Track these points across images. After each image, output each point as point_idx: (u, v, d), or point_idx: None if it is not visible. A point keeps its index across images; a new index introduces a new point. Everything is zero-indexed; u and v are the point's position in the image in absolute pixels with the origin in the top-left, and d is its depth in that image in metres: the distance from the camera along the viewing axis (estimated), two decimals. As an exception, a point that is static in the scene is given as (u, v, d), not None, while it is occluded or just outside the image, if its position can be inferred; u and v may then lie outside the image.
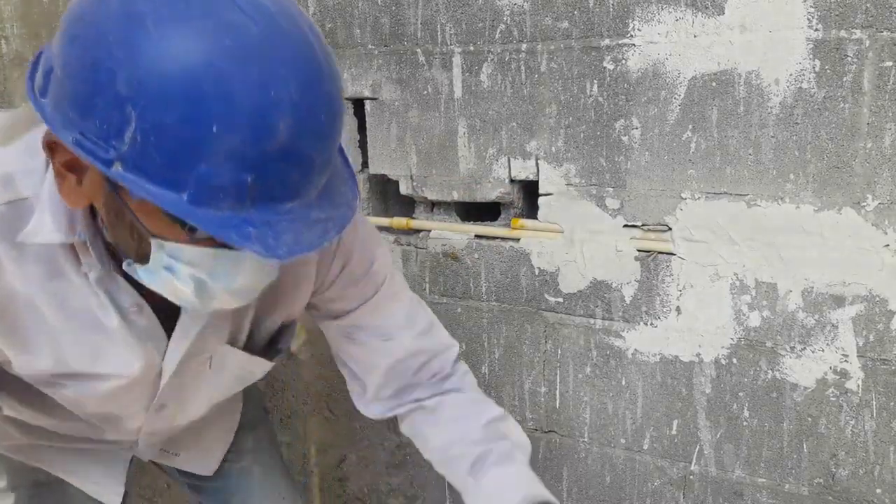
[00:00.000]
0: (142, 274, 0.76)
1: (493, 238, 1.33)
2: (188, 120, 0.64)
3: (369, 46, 1.34)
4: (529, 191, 1.31)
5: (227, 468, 1.25)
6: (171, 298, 0.77)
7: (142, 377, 0.90)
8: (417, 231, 1.40)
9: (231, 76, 0.64)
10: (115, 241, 0.78)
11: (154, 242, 0.72)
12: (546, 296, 1.30)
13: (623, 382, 1.27)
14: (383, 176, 1.40)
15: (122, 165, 0.65)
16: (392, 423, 1.52)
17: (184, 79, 0.63)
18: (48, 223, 0.77)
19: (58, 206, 0.76)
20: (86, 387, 0.89)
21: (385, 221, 1.41)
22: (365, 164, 1.41)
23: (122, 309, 0.84)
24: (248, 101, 0.65)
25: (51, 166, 0.74)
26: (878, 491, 1.13)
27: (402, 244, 1.41)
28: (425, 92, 1.31)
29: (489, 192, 1.30)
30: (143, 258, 0.74)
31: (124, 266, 0.78)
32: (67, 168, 0.72)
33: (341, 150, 0.79)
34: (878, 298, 1.07)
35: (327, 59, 0.71)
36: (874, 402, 1.10)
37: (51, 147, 0.71)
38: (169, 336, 0.89)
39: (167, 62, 0.64)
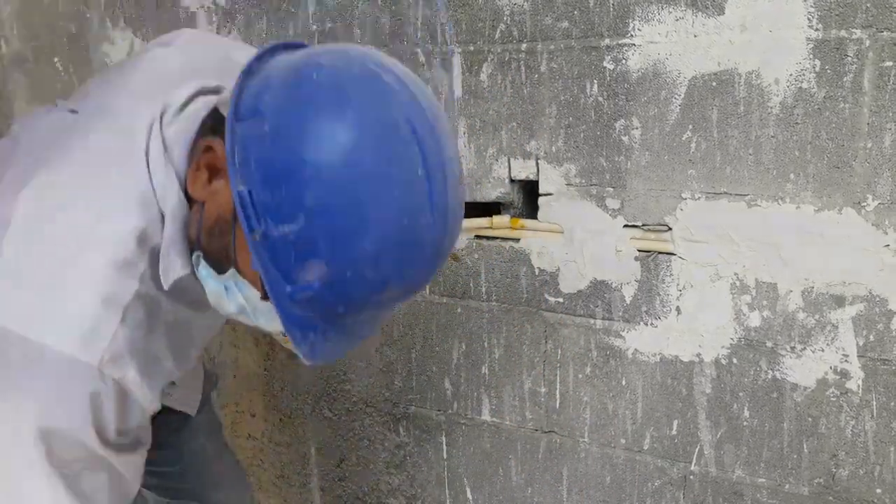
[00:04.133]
0: (203, 271, 0.82)
1: (493, 238, 1.33)
2: (337, 262, 0.73)
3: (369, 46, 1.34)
4: (529, 191, 1.31)
5: (184, 448, 1.27)
6: (212, 304, 0.85)
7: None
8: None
9: (399, 209, 0.73)
10: (204, 240, 0.82)
11: (233, 272, 0.80)
12: (546, 296, 1.30)
13: (623, 382, 1.27)
14: (383, 176, 1.40)
15: (262, 240, 0.73)
16: (392, 424, 1.53)
17: (364, 234, 0.72)
18: (178, 262, 0.82)
19: (179, 247, 0.83)
20: (189, 361, 0.96)
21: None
22: (365, 164, 1.41)
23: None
24: (391, 274, 0.75)
25: (168, 217, 0.81)
26: (879, 491, 1.12)
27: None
28: (425, 92, 1.31)
29: (489, 192, 1.30)
30: (213, 263, 0.81)
31: (193, 259, 0.83)
32: (207, 167, 0.79)
33: None
34: (878, 298, 1.07)
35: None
36: (874, 403, 1.10)
37: (208, 146, 0.79)
38: None
39: (353, 183, 0.71)
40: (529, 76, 1.22)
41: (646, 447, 1.28)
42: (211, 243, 0.81)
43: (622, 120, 1.17)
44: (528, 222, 1.30)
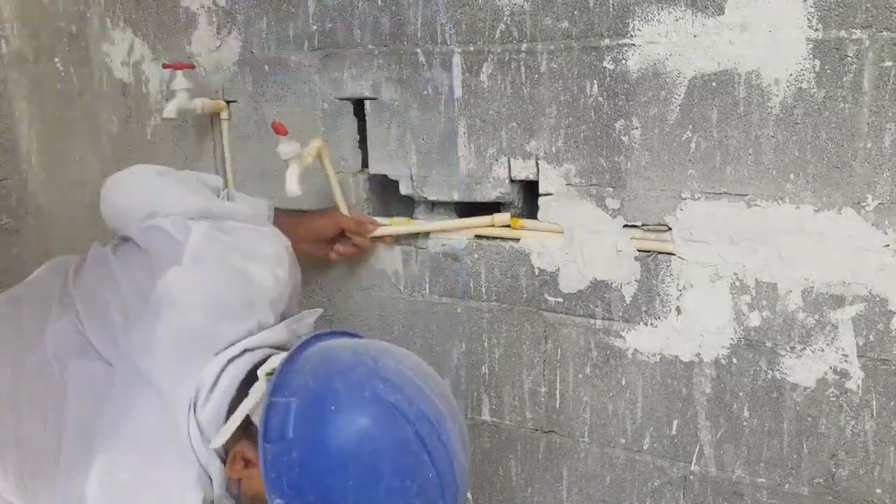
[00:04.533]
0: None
1: (493, 238, 1.33)
2: None
3: (369, 46, 1.34)
4: (529, 191, 1.31)
5: None
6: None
7: None
8: (417, 231, 1.40)
9: None
10: (244, 502, 0.94)
11: None
12: (546, 296, 1.30)
13: (623, 382, 1.27)
14: (383, 176, 1.40)
15: None
16: (392, 423, 1.53)
17: None
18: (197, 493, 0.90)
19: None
20: None
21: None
22: (365, 164, 1.41)
23: None
24: None
25: (216, 484, 0.91)
26: (878, 491, 1.13)
27: (402, 244, 1.41)
28: (425, 92, 1.31)
29: (489, 192, 1.30)
30: None
31: None
32: (243, 458, 0.90)
33: None
34: (878, 298, 1.07)
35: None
36: (874, 402, 1.10)
37: (245, 458, 0.90)
38: None
39: (376, 501, 0.83)
40: (529, 76, 1.22)
41: (646, 447, 1.28)
42: None
43: (622, 120, 1.17)
44: (528, 222, 1.30)
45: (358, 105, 1.39)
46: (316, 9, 1.38)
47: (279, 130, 1.21)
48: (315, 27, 1.39)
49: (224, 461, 0.92)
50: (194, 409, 0.90)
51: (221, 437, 0.88)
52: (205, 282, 1.00)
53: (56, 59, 1.68)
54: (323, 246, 1.38)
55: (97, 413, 0.92)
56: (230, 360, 0.94)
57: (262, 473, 0.85)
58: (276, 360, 0.93)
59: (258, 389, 0.90)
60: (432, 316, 1.42)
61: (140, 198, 1.13)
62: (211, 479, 0.91)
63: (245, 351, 0.96)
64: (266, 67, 1.46)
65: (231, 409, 0.91)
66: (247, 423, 0.90)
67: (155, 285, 0.98)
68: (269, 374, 0.91)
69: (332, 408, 0.85)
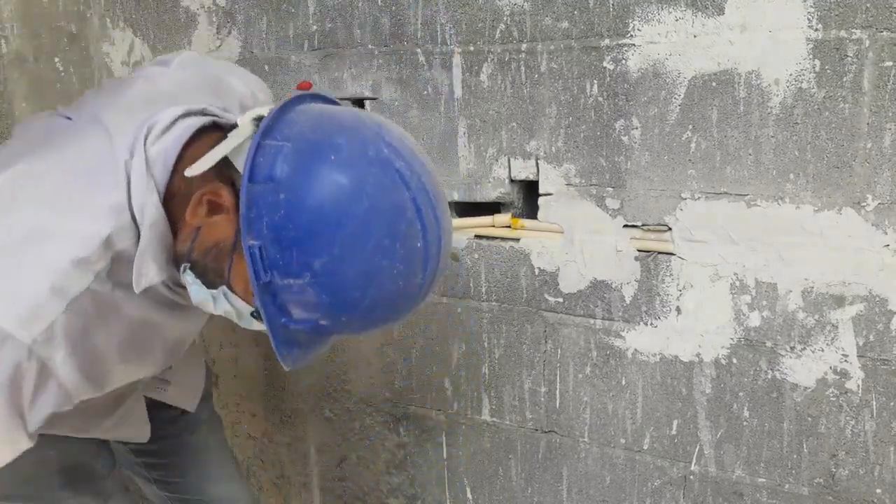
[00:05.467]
0: (190, 280, 0.88)
1: (493, 238, 1.33)
2: (335, 311, 0.82)
3: (369, 46, 1.34)
4: (529, 191, 1.31)
5: (187, 440, 1.32)
6: (194, 303, 0.90)
7: (195, 328, 1.07)
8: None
9: (397, 275, 0.82)
10: (196, 257, 0.88)
11: (224, 288, 0.87)
12: (546, 296, 1.30)
13: (623, 382, 1.27)
14: (383, 176, 1.40)
15: (267, 287, 0.80)
16: (392, 423, 1.53)
17: (363, 295, 0.81)
18: (153, 268, 0.87)
19: (157, 254, 0.87)
20: (171, 356, 1.03)
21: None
22: (365, 164, 1.41)
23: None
24: (380, 318, 0.86)
25: (145, 227, 0.85)
26: (878, 491, 1.13)
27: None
28: (425, 92, 1.31)
29: (489, 192, 1.30)
30: (203, 277, 0.87)
31: (181, 270, 0.89)
32: (209, 203, 0.85)
33: None
34: (878, 298, 1.07)
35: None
36: (874, 403, 1.10)
37: (214, 193, 0.84)
38: None
39: (362, 256, 0.80)
40: (529, 76, 1.22)
41: (646, 447, 1.28)
42: (204, 262, 0.87)
43: (622, 120, 1.17)
44: (528, 222, 1.30)
45: (358, 105, 1.39)
46: (316, 9, 1.38)
47: (304, 86, 1.24)
48: (315, 27, 1.39)
49: (165, 204, 0.87)
50: (145, 143, 0.87)
51: (201, 166, 0.83)
52: (182, 78, 1.01)
53: (56, 59, 1.68)
54: None
55: (40, 140, 0.91)
56: (190, 113, 0.91)
57: (241, 213, 0.80)
58: (261, 110, 0.87)
59: (241, 132, 0.85)
60: (432, 316, 1.42)
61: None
62: (136, 225, 0.86)
63: (207, 114, 0.93)
64: (266, 67, 1.46)
65: (182, 157, 0.88)
66: (221, 166, 0.84)
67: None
68: (256, 119, 0.86)
69: (333, 158, 0.81)
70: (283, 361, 0.87)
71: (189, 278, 0.88)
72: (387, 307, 0.85)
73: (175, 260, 0.89)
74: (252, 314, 0.87)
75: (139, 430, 1.21)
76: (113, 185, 0.85)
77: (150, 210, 0.86)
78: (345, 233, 0.79)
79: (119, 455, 1.31)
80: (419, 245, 0.83)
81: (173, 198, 0.88)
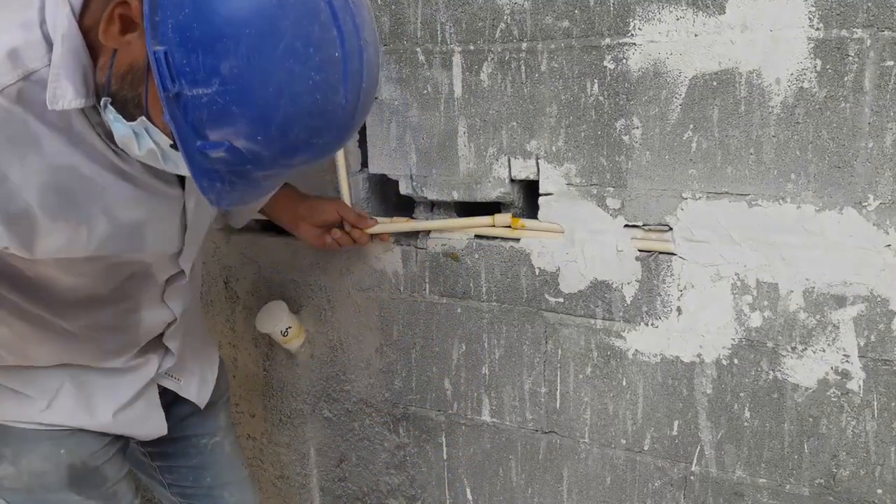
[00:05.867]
0: (112, 117, 0.84)
1: (493, 238, 1.33)
2: (248, 127, 0.77)
3: (369, 46, 1.34)
4: (530, 191, 1.31)
5: (204, 444, 1.33)
6: (119, 144, 0.87)
7: (172, 214, 1.02)
8: (417, 231, 1.40)
9: (314, 86, 0.77)
10: (114, 86, 0.84)
11: (143, 119, 0.82)
12: (546, 296, 1.30)
13: (624, 383, 1.27)
14: (383, 176, 1.40)
15: (175, 98, 0.76)
16: (392, 424, 1.52)
17: (276, 106, 0.76)
18: (70, 90, 0.83)
19: (73, 73, 0.83)
20: (132, 239, 0.98)
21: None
22: (364, 164, 1.41)
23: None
24: (300, 142, 0.80)
25: (57, 40, 0.81)
26: (879, 491, 1.12)
27: (402, 244, 1.41)
28: (425, 91, 1.31)
29: (489, 192, 1.30)
30: (122, 110, 0.83)
31: (101, 104, 0.84)
32: (121, 19, 0.80)
33: None
34: (879, 298, 1.07)
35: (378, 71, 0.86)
36: (875, 403, 1.10)
37: (124, 5, 0.79)
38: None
39: (271, 59, 0.75)
40: (530, 76, 1.22)
41: (646, 447, 1.28)
42: (122, 90, 0.83)
43: (623, 119, 1.17)
44: (529, 222, 1.29)
45: (358, 105, 1.39)
46: (315, 8, 1.38)
47: None
48: (315, 26, 1.39)
49: (84, 34, 0.84)
50: None
51: None
52: None
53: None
54: (318, 231, 1.37)
55: None
56: None
57: (144, 15, 0.76)
58: None
59: None
60: (432, 316, 1.41)
61: None
62: (49, 43, 0.82)
63: None
64: (265, 67, 1.46)
65: None
66: None
67: None
68: None
69: None
70: (207, 195, 0.84)
71: (111, 115, 0.84)
72: (305, 128, 0.80)
73: (97, 94, 0.86)
74: (172, 146, 0.83)
75: (155, 423, 1.21)
76: (25, 4, 0.82)
77: (62, 21, 0.82)
78: (252, 31, 0.74)
79: (135, 459, 1.31)
80: (336, 55, 0.78)
81: (90, 30, 0.84)
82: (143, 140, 0.84)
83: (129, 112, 0.83)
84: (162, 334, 1.18)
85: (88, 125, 0.88)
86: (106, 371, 1.14)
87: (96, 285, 1.03)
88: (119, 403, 1.15)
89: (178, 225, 1.06)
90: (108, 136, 0.89)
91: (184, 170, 0.84)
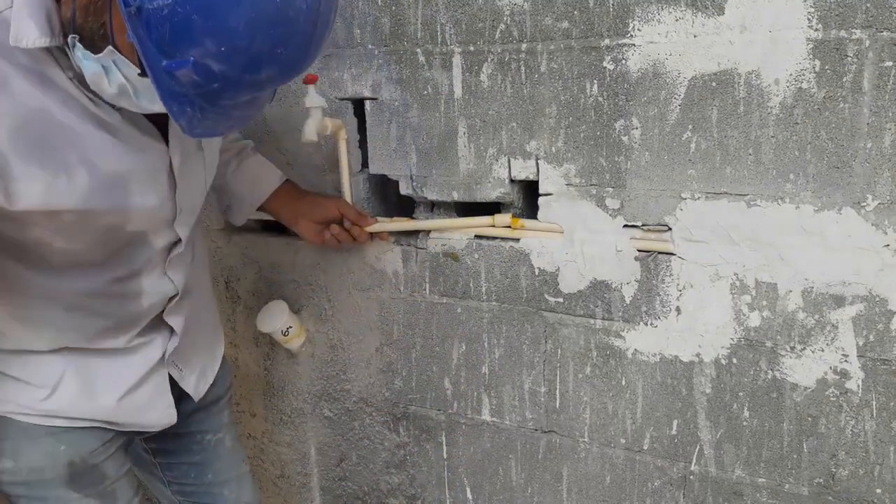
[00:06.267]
0: (80, 54, 0.84)
1: (493, 238, 1.33)
2: (211, 37, 0.77)
3: (369, 46, 1.34)
4: (529, 191, 1.31)
5: (208, 441, 1.34)
6: (89, 84, 0.87)
7: (156, 169, 1.02)
8: (417, 231, 1.40)
9: (274, 17, 0.77)
10: (79, 18, 0.84)
11: (111, 49, 0.82)
12: (546, 296, 1.30)
13: (623, 382, 1.27)
14: (383, 176, 1.40)
15: (137, 14, 0.76)
16: (392, 423, 1.53)
17: (237, 12, 0.76)
18: (33, 28, 0.83)
19: (36, 11, 0.83)
20: (115, 193, 0.97)
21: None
22: (365, 164, 1.41)
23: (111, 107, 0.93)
24: (264, 53, 0.79)
25: None
26: (878, 491, 1.13)
27: (402, 244, 1.41)
28: (425, 92, 1.31)
29: (489, 192, 1.30)
30: (92, 46, 0.83)
31: (69, 40, 0.85)
32: None
33: None
34: (878, 298, 1.07)
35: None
36: (874, 402, 1.10)
37: None
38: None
39: None
40: (529, 76, 1.22)
41: (646, 447, 1.28)
42: (87, 22, 0.83)
43: (622, 120, 1.17)
44: (529, 222, 1.30)
45: (358, 105, 1.39)
46: (316, 9, 1.38)
47: (309, 80, 1.26)
48: (315, 27, 1.39)
49: None
50: None
51: None
52: None
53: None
54: (318, 228, 1.37)
55: None
56: None
57: None
58: None
59: None
60: (432, 316, 1.42)
61: None
62: None
63: None
64: (266, 67, 1.46)
65: None
66: None
67: None
68: None
69: None
70: (178, 121, 0.83)
71: (79, 52, 0.84)
72: (268, 37, 0.79)
73: (64, 34, 0.86)
74: (140, 75, 0.83)
75: (162, 411, 1.20)
76: None
77: None
78: None
79: (136, 456, 1.31)
80: None
81: None
82: (113, 74, 0.84)
83: (96, 45, 0.84)
84: (164, 312, 1.17)
85: (61, 72, 0.88)
86: (108, 354, 1.12)
87: (90, 252, 1.02)
88: (123, 388, 1.14)
89: (165, 182, 1.05)
90: (84, 85, 0.89)
91: (156, 103, 0.84)
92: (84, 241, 1.00)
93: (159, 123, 1.01)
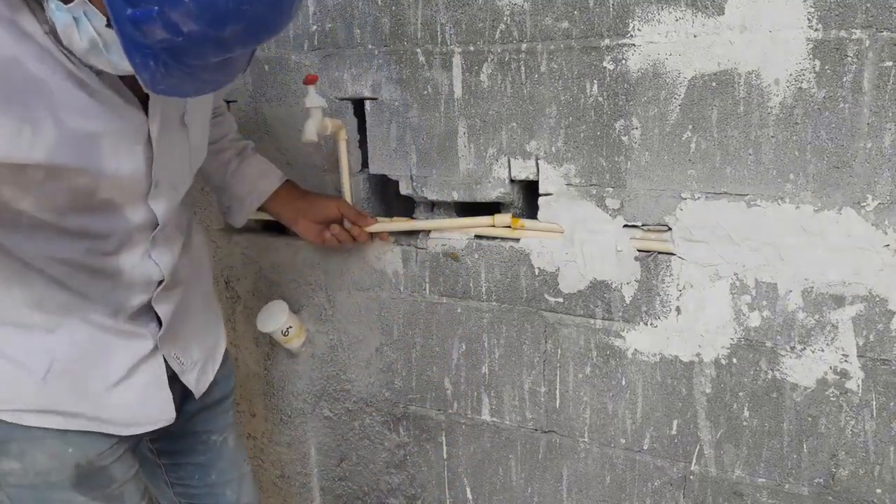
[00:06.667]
0: (53, 5, 0.84)
1: (493, 238, 1.33)
2: None
3: (369, 46, 1.34)
4: (529, 191, 1.31)
5: (213, 441, 1.34)
6: (62, 39, 0.87)
7: (133, 136, 1.00)
8: (417, 231, 1.40)
9: None
10: None
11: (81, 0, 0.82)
12: (546, 296, 1.30)
13: (623, 382, 1.27)
14: (383, 176, 1.40)
15: None
16: (392, 423, 1.53)
17: None
18: None
19: None
20: (84, 152, 0.96)
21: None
22: (365, 164, 1.41)
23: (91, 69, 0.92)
24: (229, 8, 0.78)
25: None
26: (879, 491, 1.13)
27: (402, 244, 1.41)
28: (425, 92, 1.31)
29: (489, 192, 1.30)
30: None
31: None
32: None
33: None
34: (878, 298, 1.07)
35: None
36: (874, 402, 1.10)
37: None
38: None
39: None
40: (529, 76, 1.22)
41: (646, 447, 1.28)
42: None
43: (622, 120, 1.17)
44: (529, 222, 1.30)
45: (358, 105, 1.39)
46: (316, 9, 1.38)
47: (309, 80, 1.26)
48: (315, 27, 1.39)
49: None
50: None
51: None
52: None
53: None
54: (318, 228, 1.37)
55: None
56: None
57: None
58: None
59: None
60: (432, 316, 1.42)
61: None
62: None
63: None
64: (266, 67, 1.46)
65: None
66: None
67: None
68: None
69: None
70: (140, 74, 0.83)
71: (52, 3, 0.84)
72: None
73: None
74: (108, 26, 0.83)
75: (159, 406, 1.18)
76: None
77: None
78: None
79: (140, 457, 1.31)
80: None
81: None
82: (83, 24, 0.84)
83: None
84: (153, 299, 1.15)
85: (39, 27, 0.88)
86: (97, 336, 1.10)
87: (61, 218, 1.01)
88: (116, 375, 1.12)
89: (141, 153, 1.03)
90: (62, 43, 0.89)
91: (127, 66, 0.84)
92: (53, 203, 0.99)
93: (142, 96, 1.01)
